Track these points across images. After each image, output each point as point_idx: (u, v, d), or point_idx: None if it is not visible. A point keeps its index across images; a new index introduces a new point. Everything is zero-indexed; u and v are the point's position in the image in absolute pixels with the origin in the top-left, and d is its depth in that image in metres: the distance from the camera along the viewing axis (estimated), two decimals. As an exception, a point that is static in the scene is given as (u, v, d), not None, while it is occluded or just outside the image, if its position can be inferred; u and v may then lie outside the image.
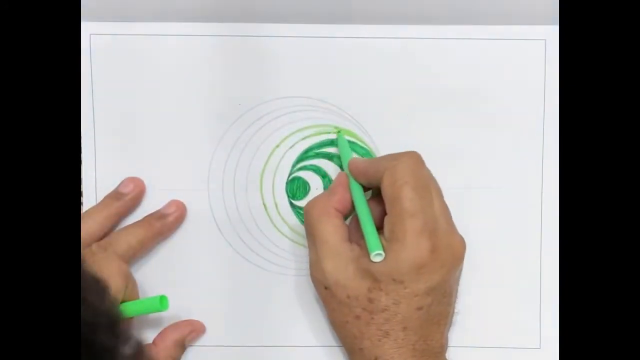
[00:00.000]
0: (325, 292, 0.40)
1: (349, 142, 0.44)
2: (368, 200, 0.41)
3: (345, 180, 0.42)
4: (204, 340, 0.44)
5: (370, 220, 0.40)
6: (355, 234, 0.41)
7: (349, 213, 0.41)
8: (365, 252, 0.38)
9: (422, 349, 0.38)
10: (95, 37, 0.44)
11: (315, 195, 0.44)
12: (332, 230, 0.40)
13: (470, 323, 0.44)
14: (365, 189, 0.42)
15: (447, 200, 0.44)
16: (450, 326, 0.41)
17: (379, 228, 0.39)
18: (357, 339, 0.39)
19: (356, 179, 0.41)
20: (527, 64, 0.44)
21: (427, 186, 0.39)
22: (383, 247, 0.38)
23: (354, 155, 0.44)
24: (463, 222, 0.44)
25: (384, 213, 0.39)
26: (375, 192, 0.42)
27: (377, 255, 0.38)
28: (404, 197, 0.38)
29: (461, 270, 0.41)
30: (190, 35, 0.44)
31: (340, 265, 0.39)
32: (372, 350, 0.38)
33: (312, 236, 0.40)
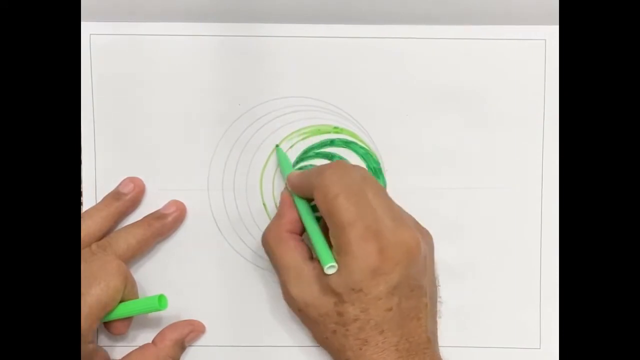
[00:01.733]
0: (300, 313, 0.40)
1: (347, 141, 0.44)
2: (316, 213, 0.41)
3: (289, 199, 0.42)
4: (203, 340, 0.44)
5: (319, 234, 0.40)
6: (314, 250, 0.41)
7: (303, 230, 0.41)
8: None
9: (405, 348, 0.38)
10: (95, 37, 0.44)
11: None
12: (290, 254, 0.40)
13: (470, 323, 0.44)
14: (310, 200, 0.42)
15: (447, 200, 0.44)
16: (434, 317, 0.41)
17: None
18: (340, 351, 0.39)
19: (297, 195, 0.42)
20: (527, 64, 0.44)
21: (360, 191, 0.38)
22: (335, 259, 0.38)
23: (293, 169, 0.44)
24: (463, 222, 0.44)
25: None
26: None
27: (330, 268, 0.38)
28: (338, 209, 0.37)
29: (427, 260, 0.40)
30: (191, 35, 0.44)
31: (304, 287, 0.39)
32: (357, 359, 0.38)
33: (274, 264, 0.41)
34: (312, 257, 0.41)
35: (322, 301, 0.39)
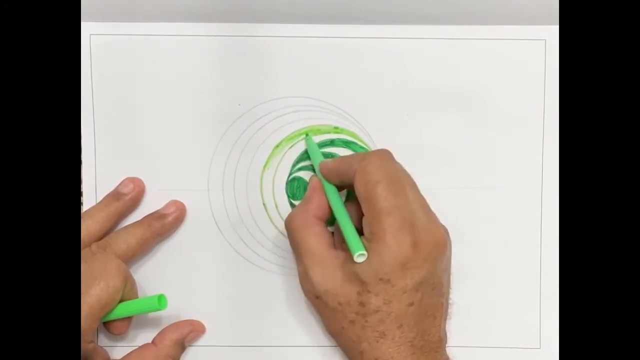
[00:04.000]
0: (317, 301, 0.40)
1: (347, 141, 0.44)
2: (345, 202, 0.41)
3: (319, 185, 0.42)
4: (203, 340, 0.44)
5: (349, 222, 0.39)
6: (339, 240, 0.41)
7: (330, 217, 0.41)
8: (350, 256, 0.38)
9: (420, 345, 0.38)
10: (95, 37, 0.44)
11: None
12: (315, 240, 0.40)
13: (470, 323, 0.44)
14: (340, 188, 0.42)
15: (447, 200, 0.44)
16: (446, 318, 0.41)
17: (360, 229, 0.39)
18: (355, 342, 0.39)
19: (329, 181, 0.41)
20: (527, 64, 0.44)
21: (400, 182, 0.39)
22: (365, 247, 0.38)
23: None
24: (463, 222, 0.44)
25: (362, 213, 0.39)
26: (351, 192, 0.42)
27: (359, 256, 0.38)
28: (378, 196, 0.38)
29: (449, 260, 0.40)
30: (190, 35, 0.44)
31: (327, 273, 0.39)
32: (372, 352, 0.38)
33: (296, 249, 0.41)
34: (335, 246, 0.40)
35: (345, 289, 0.38)
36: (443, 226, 0.40)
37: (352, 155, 0.41)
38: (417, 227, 0.38)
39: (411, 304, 0.38)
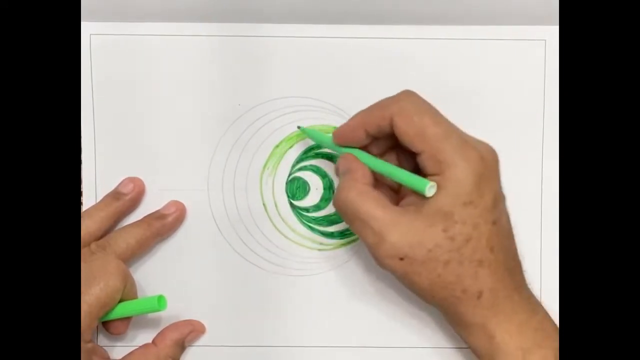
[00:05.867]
0: (402, 263, 0.37)
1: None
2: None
3: (351, 155, 0.40)
4: (203, 340, 0.44)
5: (400, 169, 0.39)
6: (396, 196, 0.41)
7: (374, 183, 0.40)
8: (416, 202, 0.38)
9: (511, 267, 0.38)
10: (95, 37, 0.44)
11: (315, 195, 0.44)
12: (376, 203, 0.38)
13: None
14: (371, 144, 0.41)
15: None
16: None
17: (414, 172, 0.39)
18: (455, 284, 0.37)
19: (354, 143, 0.40)
20: (527, 64, 0.44)
21: (437, 110, 0.38)
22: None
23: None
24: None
25: (399, 163, 0.40)
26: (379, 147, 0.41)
27: (431, 188, 0.37)
28: (430, 125, 0.37)
29: None
30: (190, 35, 0.44)
31: (404, 228, 0.37)
32: (475, 286, 0.37)
33: (359, 221, 0.38)
34: (397, 203, 0.39)
35: (429, 233, 0.37)
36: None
37: (376, 104, 0.39)
38: (473, 144, 0.37)
39: (495, 223, 0.37)
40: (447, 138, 0.37)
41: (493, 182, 0.38)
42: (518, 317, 0.38)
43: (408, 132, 0.38)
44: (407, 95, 0.39)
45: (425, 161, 0.38)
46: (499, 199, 0.38)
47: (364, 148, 0.40)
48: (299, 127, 0.44)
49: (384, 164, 0.40)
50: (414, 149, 0.38)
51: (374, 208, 0.38)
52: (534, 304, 0.39)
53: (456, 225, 0.37)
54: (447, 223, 0.37)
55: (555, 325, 0.39)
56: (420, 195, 0.37)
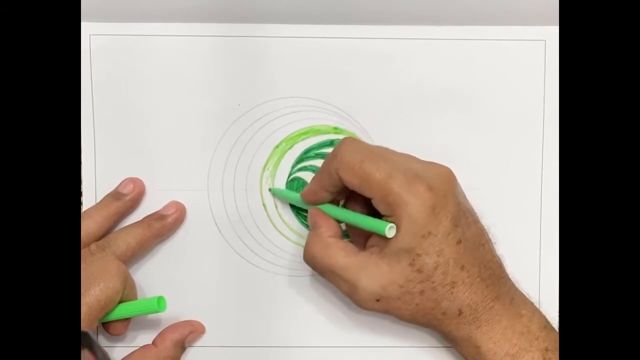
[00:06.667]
0: (380, 303, 0.39)
1: None
2: (343, 207, 0.42)
3: (317, 210, 0.42)
4: (203, 340, 0.44)
5: (361, 215, 0.40)
6: (360, 243, 0.41)
7: (341, 232, 0.41)
8: (380, 242, 0.39)
9: (488, 275, 0.39)
10: (95, 37, 0.44)
11: None
12: (342, 253, 0.39)
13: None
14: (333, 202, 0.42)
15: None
16: (493, 243, 0.41)
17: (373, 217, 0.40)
18: (435, 308, 0.39)
19: (320, 201, 0.41)
20: (526, 64, 0.44)
21: (378, 151, 0.39)
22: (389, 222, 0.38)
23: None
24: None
25: (364, 206, 0.40)
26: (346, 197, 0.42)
27: (390, 229, 0.38)
28: (371, 171, 0.38)
29: (461, 187, 0.40)
30: (190, 35, 0.44)
31: (373, 272, 0.39)
32: (453, 305, 0.38)
33: (329, 272, 0.40)
34: (362, 249, 0.40)
35: (397, 271, 0.38)
36: (440, 164, 0.40)
37: (322, 164, 0.41)
38: (420, 174, 0.38)
39: (459, 242, 0.38)
40: (392, 179, 0.37)
41: (448, 205, 0.38)
42: (502, 325, 0.39)
43: (354, 183, 0.39)
44: (347, 145, 0.39)
45: (377, 205, 0.39)
46: (459, 217, 0.38)
47: (334, 199, 0.42)
48: (270, 190, 0.44)
49: (346, 212, 0.41)
50: (365, 195, 0.39)
51: (341, 257, 0.39)
52: (518, 306, 0.40)
53: (420, 257, 0.38)
54: (412, 257, 0.38)
55: (543, 321, 0.40)
56: (384, 236, 0.38)
